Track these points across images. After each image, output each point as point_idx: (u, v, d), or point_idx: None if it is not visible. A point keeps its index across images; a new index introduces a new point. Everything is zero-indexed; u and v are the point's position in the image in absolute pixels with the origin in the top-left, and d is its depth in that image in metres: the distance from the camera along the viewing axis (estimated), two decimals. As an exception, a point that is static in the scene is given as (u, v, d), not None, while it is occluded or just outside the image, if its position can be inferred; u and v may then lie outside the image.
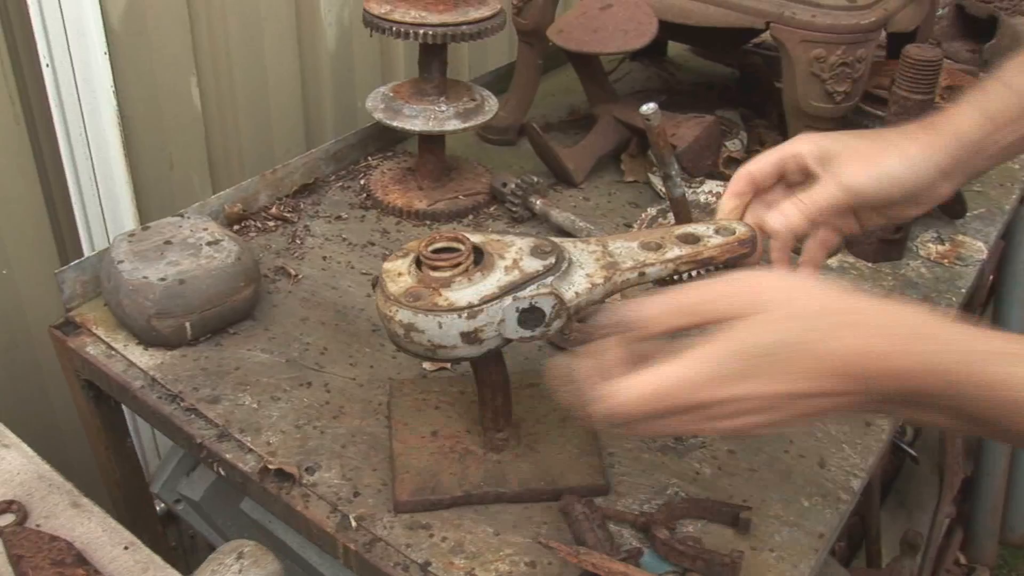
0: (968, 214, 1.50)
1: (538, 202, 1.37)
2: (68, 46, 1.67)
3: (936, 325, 0.68)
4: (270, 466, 0.99)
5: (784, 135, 1.54)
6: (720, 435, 0.97)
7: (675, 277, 0.90)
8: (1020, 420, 0.65)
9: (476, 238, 0.89)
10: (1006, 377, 0.64)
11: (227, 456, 1.02)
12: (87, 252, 1.84)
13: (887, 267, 1.36)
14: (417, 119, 1.33)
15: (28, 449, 1.06)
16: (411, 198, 1.40)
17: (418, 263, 0.86)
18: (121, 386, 1.13)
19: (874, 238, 1.35)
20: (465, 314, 0.82)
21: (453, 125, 1.33)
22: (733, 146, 1.48)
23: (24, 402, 1.82)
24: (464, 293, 0.83)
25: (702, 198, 1.36)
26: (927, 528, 1.98)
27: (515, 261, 0.86)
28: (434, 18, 1.26)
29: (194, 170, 1.93)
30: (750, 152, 1.53)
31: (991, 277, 1.89)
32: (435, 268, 0.85)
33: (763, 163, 0.95)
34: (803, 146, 0.93)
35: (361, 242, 1.35)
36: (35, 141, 1.70)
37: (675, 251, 0.90)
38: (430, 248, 0.86)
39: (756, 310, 0.69)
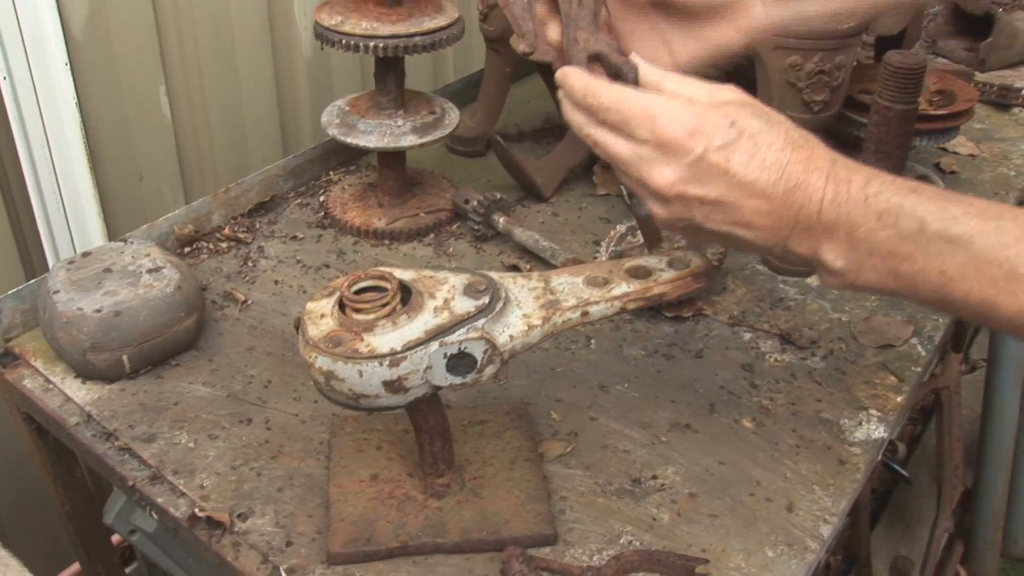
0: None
1: (501, 220, 1.31)
2: (27, 58, 1.62)
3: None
4: (200, 513, 0.94)
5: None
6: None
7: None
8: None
9: (406, 275, 0.83)
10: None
11: (159, 500, 0.97)
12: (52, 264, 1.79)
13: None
14: (372, 135, 1.26)
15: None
16: (370, 216, 1.33)
17: (341, 304, 0.80)
18: (56, 422, 1.08)
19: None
20: (387, 361, 0.76)
21: (409, 141, 1.26)
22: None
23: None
24: (387, 338, 0.77)
25: (673, 214, 1.29)
26: (925, 543, 1.92)
27: (446, 301, 0.80)
28: (386, 29, 1.20)
29: (165, 181, 1.88)
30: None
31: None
32: (358, 310, 0.78)
33: None
34: None
35: (316, 264, 1.29)
36: (-5, 157, 1.65)
37: (622, 287, 0.84)
38: (353, 288, 0.80)
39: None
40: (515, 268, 1.27)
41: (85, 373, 1.11)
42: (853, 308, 1.24)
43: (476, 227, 1.31)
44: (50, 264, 1.78)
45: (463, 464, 0.96)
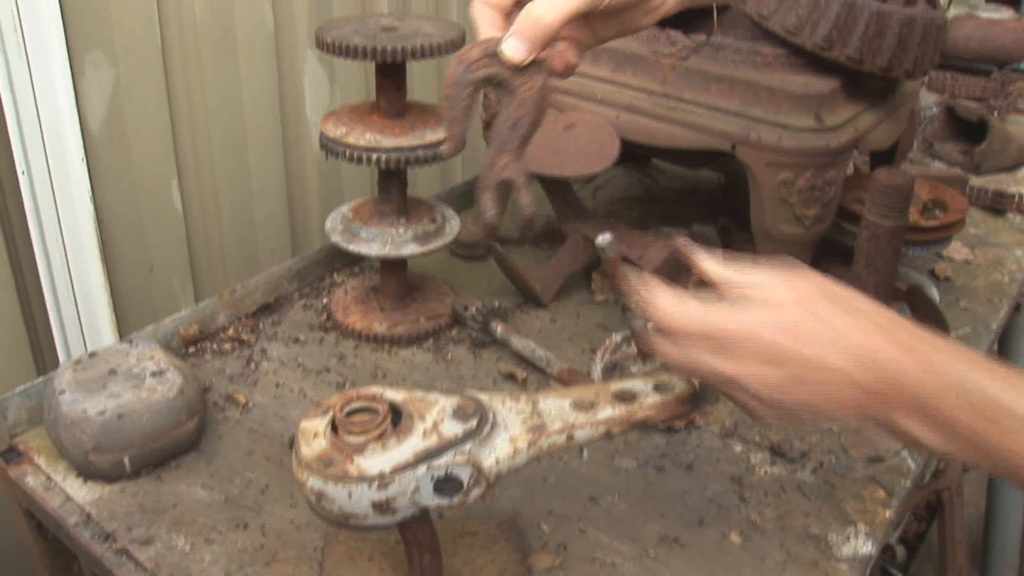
0: (953, 333, 1.45)
1: (499, 327, 1.33)
2: (45, 153, 1.67)
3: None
4: (192, 622, 0.95)
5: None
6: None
7: None
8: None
9: (398, 395, 0.85)
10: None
11: (153, 605, 0.98)
12: (61, 357, 1.82)
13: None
14: (374, 243, 1.30)
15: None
16: (371, 320, 1.37)
17: (333, 425, 0.83)
18: (56, 521, 1.10)
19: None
20: (376, 484, 0.78)
21: (410, 250, 1.30)
22: (706, 265, 1.44)
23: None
24: (376, 461, 0.79)
25: (668, 324, 1.32)
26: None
27: (435, 424, 0.82)
28: (389, 142, 1.24)
29: (175, 273, 1.92)
30: (724, 270, 1.49)
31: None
32: (349, 432, 0.81)
33: None
34: None
35: (317, 368, 1.32)
36: (11, 247, 1.69)
37: (608, 411, 0.86)
38: (345, 410, 0.83)
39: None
40: (511, 377, 1.30)
41: (87, 473, 1.14)
42: (843, 420, 1.26)
43: (474, 334, 1.34)
44: (60, 356, 1.81)
45: (452, 576, 0.98)
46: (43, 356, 1.83)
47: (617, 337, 1.33)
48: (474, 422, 0.82)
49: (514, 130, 0.88)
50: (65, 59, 1.61)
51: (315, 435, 0.83)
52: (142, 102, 1.74)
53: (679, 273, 1.40)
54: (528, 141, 0.89)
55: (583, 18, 0.90)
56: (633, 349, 1.28)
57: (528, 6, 0.85)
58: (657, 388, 0.89)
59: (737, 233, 1.63)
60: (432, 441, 0.80)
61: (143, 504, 1.10)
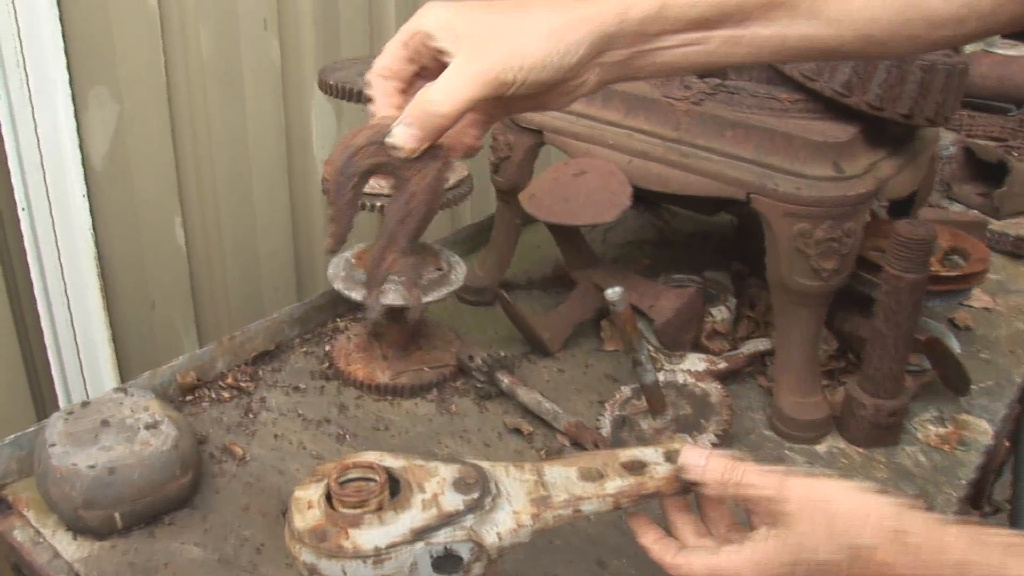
0: (974, 387, 1.41)
1: (505, 379, 1.29)
2: (46, 189, 1.65)
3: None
4: None
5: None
6: None
7: None
8: None
9: (396, 464, 0.81)
10: None
11: (139, 675, 0.94)
12: (61, 397, 1.79)
13: (880, 453, 1.27)
14: (377, 291, 1.26)
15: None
16: (373, 369, 1.33)
17: (328, 495, 0.79)
18: (43, 579, 1.06)
19: (866, 423, 1.26)
20: (371, 561, 0.74)
21: (414, 299, 1.26)
22: (719, 314, 1.40)
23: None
24: (373, 535, 0.75)
25: (679, 378, 1.27)
26: None
27: (434, 495, 0.78)
28: (394, 189, 1.20)
29: (177, 310, 1.89)
30: (738, 320, 1.45)
31: (1006, 444, 1.78)
32: (344, 503, 0.77)
33: (389, 53, 0.80)
34: (427, 19, 0.77)
35: (317, 419, 1.28)
36: (10, 284, 1.66)
37: (616, 483, 0.82)
38: (340, 480, 0.79)
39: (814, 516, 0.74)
40: (517, 431, 1.26)
41: (76, 528, 1.10)
42: (863, 479, 1.21)
43: (480, 385, 1.30)
44: (59, 393, 1.78)
45: (453, 647, 0.93)
46: (42, 393, 1.80)
47: (627, 390, 1.29)
48: (476, 494, 0.78)
49: (403, 224, 0.79)
50: (68, 93, 1.59)
51: (309, 505, 0.79)
52: (146, 137, 1.72)
53: (690, 324, 1.36)
54: (419, 234, 0.81)
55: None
56: (643, 403, 1.24)
57: (423, 90, 0.76)
58: (668, 457, 0.85)
59: (750, 279, 1.59)
60: (431, 514, 0.76)
61: (134, 563, 1.06)
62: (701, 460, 0.82)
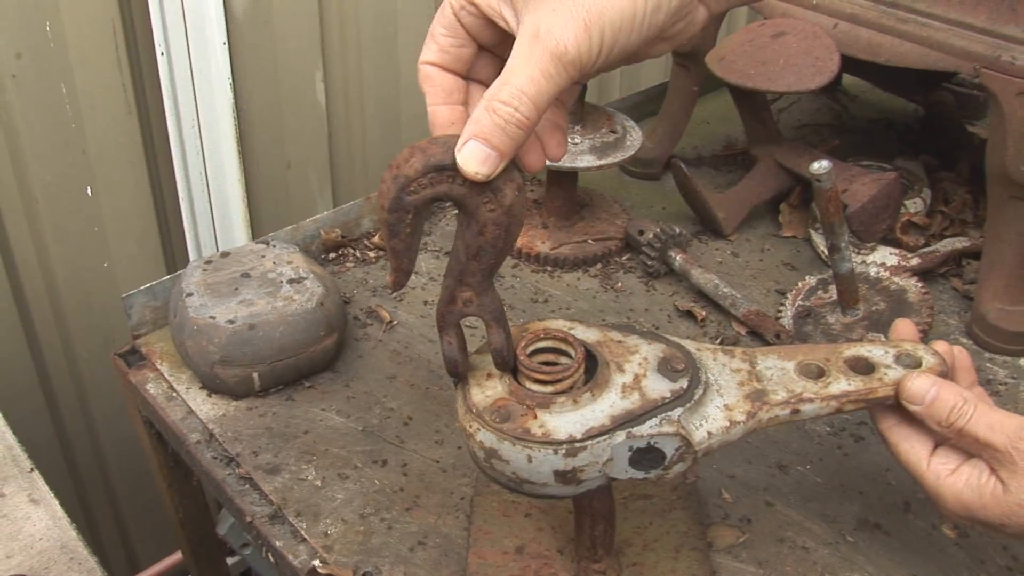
0: None
1: (678, 258, 1.17)
2: (186, 34, 1.56)
3: None
4: (320, 569, 0.83)
5: (975, 194, 1.30)
6: None
7: None
8: None
9: (591, 334, 0.70)
10: None
11: (277, 544, 0.87)
12: (191, 249, 1.73)
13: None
14: (543, 152, 1.14)
15: (58, 508, 0.93)
16: (533, 237, 1.21)
17: (514, 367, 0.68)
18: (177, 436, 0.99)
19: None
20: (563, 450, 0.63)
21: (586, 162, 1.14)
22: (914, 206, 1.25)
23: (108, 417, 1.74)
24: (566, 420, 0.64)
25: (872, 271, 1.14)
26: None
27: (636, 378, 0.67)
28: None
29: (313, 170, 1.81)
30: (932, 215, 1.30)
31: None
32: (534, 379, 0.66)
33: (440, 34, 0.64)
34: None
35: (469, 287, 1.18)
36: (145, 132, 1.60)
37: (842, 384, 0.70)
38: (530, 350, 0.68)
39: None
40: (689, 314, 1.14)
41: (211, 386, 1.03)
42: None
43: (649, 263, 1.18)
44: (190, 251, 1.72)
45: (622, 546, 0.83)
46: (173, 251, 1.74)
47: (811, 280, 1.15)
48: (684, 382, 0.66)
49: (476, 261, 0.64)
50: (211, -64, 1.49)
51: (489, 376, 0.68)
52: (290, -17, 1.62)
53: (885, 213, 1.21)
54: (495, 271, 0.65)
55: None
56: (829, 295, 1.10)
57: (493, 90, 0.59)
58: (899, 359, 0.72)
59: (941, 173, 1.42)
60: (634, 401, 0.65)
61: (271, 427, 0.99)
62: (928, 393, 0.70)
